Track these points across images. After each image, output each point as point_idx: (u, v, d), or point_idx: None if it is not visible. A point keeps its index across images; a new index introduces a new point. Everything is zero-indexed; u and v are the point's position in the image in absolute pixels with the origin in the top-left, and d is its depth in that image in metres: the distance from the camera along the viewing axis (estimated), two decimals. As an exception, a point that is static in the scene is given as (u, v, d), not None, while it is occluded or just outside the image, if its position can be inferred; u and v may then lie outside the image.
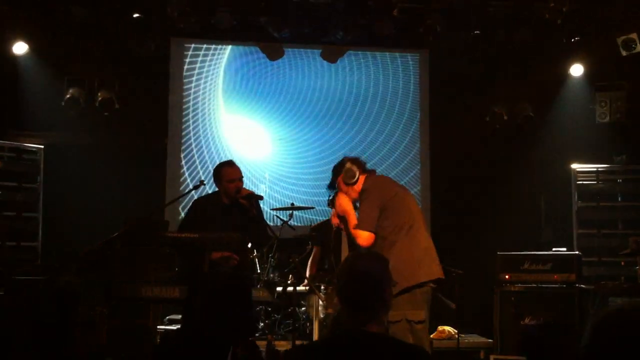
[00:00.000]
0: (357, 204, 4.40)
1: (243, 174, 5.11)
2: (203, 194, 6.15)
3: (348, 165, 4.38)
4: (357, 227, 4.23)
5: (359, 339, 2.32)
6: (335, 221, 4.44)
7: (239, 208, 4.93)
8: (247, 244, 5.22)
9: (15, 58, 7.28)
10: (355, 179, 4.35)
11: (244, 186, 5.10)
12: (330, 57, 8.06)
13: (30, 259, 6.88)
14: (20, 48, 7.19)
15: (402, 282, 3.98)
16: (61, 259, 5.94)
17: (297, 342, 5.39)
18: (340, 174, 4.40)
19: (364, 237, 4.19)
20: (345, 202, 4.34)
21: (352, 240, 4.37)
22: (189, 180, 7.66)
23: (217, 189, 5.13)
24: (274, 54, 7.97)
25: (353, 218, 4.32)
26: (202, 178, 5.34)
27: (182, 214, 7.27)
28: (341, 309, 2.58)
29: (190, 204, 5.17)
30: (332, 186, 4.53)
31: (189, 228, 4.84)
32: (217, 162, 7.08)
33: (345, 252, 6.14)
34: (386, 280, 2.51)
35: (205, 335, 2.14)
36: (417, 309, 4.09)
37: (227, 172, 5.00)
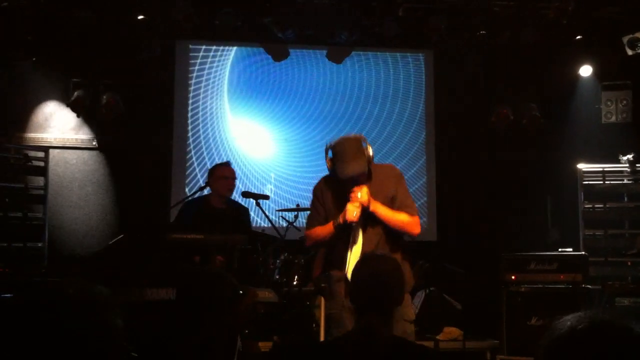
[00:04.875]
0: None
1: (249, 175, 5.12)
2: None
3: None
4: (414, 212, 3.77)
5: (370, 341, 2.31)
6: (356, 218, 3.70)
7: (230, 212, 4.94)
8: (248, 244, 5.22)
9: (24, 61, 7.29)
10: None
11: (250, 188, 5.11)
12: (336, 57, 8.06)
13: (36, 261, 6.90)
14: (28, 51, 7.20)
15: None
16: (67, 261, 5.95)
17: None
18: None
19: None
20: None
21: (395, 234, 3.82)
22: (196, 180, 7.67)
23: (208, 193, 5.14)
24: (279, 55, 7.97)
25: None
26: (208, 181, 5.34)
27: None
28: (355, 311, 2.57)
29: (181, 205, 5.10)
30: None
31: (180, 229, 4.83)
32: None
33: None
34: (399, 282, 2.51)
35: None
36: None
37: (220, 169, 5.01)
